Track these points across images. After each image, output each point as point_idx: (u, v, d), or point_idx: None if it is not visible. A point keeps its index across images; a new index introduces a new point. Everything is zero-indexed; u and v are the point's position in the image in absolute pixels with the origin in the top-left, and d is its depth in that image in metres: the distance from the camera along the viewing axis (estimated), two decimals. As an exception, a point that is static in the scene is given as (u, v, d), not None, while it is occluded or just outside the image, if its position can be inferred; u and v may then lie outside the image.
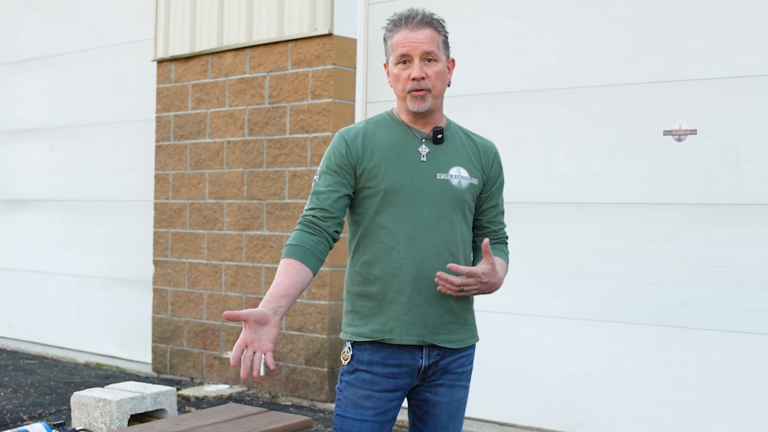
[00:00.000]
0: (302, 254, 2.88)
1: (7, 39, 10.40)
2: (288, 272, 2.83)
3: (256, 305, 7.48)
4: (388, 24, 3.01)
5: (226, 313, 2.56)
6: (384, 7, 6.86)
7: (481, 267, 2.88)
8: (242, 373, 2.56)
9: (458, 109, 6.21)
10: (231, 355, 2.59)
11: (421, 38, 2.93)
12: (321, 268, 6.91)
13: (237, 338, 7.58)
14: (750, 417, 5.46)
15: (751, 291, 5.49)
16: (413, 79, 2.94)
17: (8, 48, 10.38)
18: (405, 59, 2.95)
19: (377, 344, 2.97)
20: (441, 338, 3.00)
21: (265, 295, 2.85)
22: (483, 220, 3.17)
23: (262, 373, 7.39)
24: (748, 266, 5.50)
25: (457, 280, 2.85)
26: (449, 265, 2.85)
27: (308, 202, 3.00)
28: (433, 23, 2.98)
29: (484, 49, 6.51)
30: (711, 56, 5.64)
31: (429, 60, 2.95)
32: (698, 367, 5.65)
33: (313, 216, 2.95)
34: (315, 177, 3.05)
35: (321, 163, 3.06)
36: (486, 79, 6.50)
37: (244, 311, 2.62)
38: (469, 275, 2.86)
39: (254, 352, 2.62)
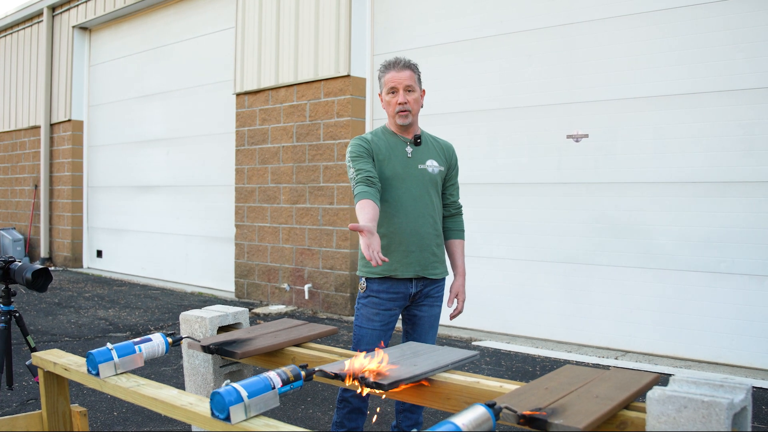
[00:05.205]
0: (374, 196, 2.75)
1: (137, 81, 10.33)
2: (371, 206, 2.68)
3: (303, 254, 7.48)
4: (381, 67, 2.99)
5: (350, 225, 2.42)
6: (384, 57, 6.79)
7: (458, 304, 3.06)
8: (374, 263, 2.44)
9: (434, 122, 6.17)
10: (369, 257, 2.44)
11: (403, 76, 2.91)
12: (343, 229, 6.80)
13: (290, 276, 7.58)
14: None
15: (624, 238, 5.46)
16: (399, 104, 2.92)
17: (138, 87, 10.31)
18: (393, 90, 2.93)
19: (383, 278, 2.94)
20: (429, 272, 2.98)
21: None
22: (446, 193, 3.14)
23: (306, 296, 7.40)
24: (618, 219, 5.47)
25: (459, 308, 3.05)
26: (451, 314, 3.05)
27: (356, 172, 2.82)
28: (411, 66, 2.95)
29: (450, 83, 6.45)
30: (598, 85, 5.59)
31: (409, 91, 2.93)
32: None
33: (368, 176, 2.81)
34: (349, 163, 2.89)
35: (350, 157, 2.91)
36: (451, 103, 6.44)
37: (364, 225, 2.49)
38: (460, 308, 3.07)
39: (374, 251, 2.45)
